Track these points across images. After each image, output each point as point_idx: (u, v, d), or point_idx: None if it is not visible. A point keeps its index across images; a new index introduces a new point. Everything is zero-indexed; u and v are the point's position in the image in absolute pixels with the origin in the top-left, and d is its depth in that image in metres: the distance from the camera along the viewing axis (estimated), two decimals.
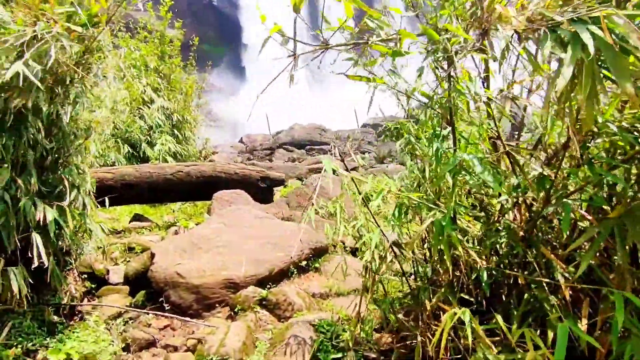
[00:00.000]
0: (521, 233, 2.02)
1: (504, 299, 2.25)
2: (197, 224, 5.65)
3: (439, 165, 2.01)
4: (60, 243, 3.90)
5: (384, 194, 2.08)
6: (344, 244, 6.07)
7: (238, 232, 5.01)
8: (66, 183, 3.65)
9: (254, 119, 31.27)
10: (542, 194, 1.80)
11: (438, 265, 2.33)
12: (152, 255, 4.65)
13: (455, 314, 1.87)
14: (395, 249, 2.28)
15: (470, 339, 1.77)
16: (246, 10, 37.15)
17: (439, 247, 1.89)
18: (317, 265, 5.12)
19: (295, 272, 4.86)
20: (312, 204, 2.95)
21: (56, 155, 3.80)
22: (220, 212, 5.47)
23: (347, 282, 4.87)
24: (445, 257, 1.88)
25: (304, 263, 4.96)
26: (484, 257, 1.96)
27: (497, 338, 2.06)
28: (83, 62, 3.44)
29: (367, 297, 2.67)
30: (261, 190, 6.41)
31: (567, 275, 2.07)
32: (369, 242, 2.27)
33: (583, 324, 2.02)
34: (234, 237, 4.94)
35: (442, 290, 2.18)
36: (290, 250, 4.89)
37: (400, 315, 2.86)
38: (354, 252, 5.82)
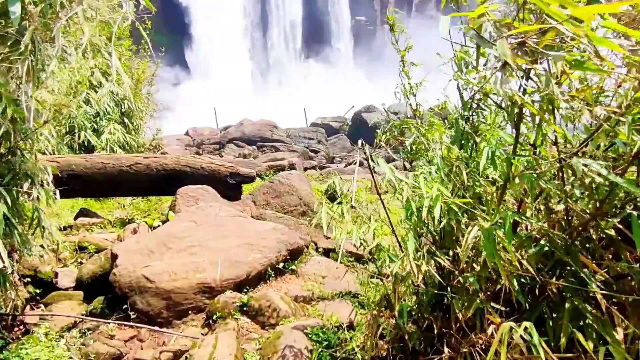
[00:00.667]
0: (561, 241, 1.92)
1: (537, 307, 2.14)
2: (163, 222, 5.13)
3: (501, 168, 1.84)
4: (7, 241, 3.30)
5: (433, 200, 1.87)
6: (316, 244, 5.83)
7: (211, 231, 4.60)
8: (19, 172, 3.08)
9: (199, 111, 30.28)
10: (592, 203, 1.70)
11: (469, 272, 2.17)
12: (114, 257, 4.12)
13: (512, 328, 1.72)
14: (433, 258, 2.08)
15: (542, 355, 1.61)
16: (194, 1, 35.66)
17: (492, 261, 1.72)
18: (293, 267, 4.84)
19: (273, 275, 4.55)
20: (322, 204, 2.69)
21: (4, 140, 3.22)
22: (188, 209, 5.00)
23: (326, 285, 4.65)
24: (500, 270, 1.71)
25: (281, 265, 4.66)
26: (527, 265, 1.83)
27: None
28: (47, 27, 2.92)
29: (386, 313, 2.45)
30: (229, 186, 5.98)
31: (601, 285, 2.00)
32: (405, 249, 2.05)
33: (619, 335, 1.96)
34: (207, 236, 4.52)
35: (478, 300, 2.03)
36: (267, 252, 4.58)
37: (409, 325, 2.69)
38: (327, 253, 5.61)
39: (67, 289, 4.26)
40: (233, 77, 37.14)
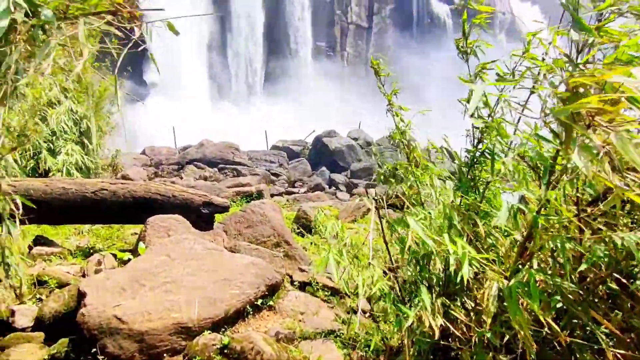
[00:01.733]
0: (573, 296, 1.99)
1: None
2: (132, 252, 4.84)
3: (522, 224, 1.90)
4: None
5: (461, 257, 1.87)
6: (291, 277, 5.72)
7: (186, 266, 4.39)
8: None
9: (156, 131, 29.39)
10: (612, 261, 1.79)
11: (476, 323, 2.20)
12: (82, 294, 3.82)
13: None
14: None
15: None
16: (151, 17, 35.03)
17: (516, 319, 1.74)
18: (271, 303, 4.71)
19: (251, 312, 4.40)
20: (330, 246, 2.64)
21: None
22: (161, 241, 4.76)
23: (307, 322, 4.55)
24: (522, 326, 1.74)
25: (259, 301, 4.52)
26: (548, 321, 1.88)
27: None
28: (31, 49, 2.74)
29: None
30: (202, 216, 5.78)
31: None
32: (421, 301, 2.03)
33: None
34: (182, 271, 4.32)
35: (491, 354, 2.05)
36: (245, 287, 4.43)
37: None
38: (302, 287, 5.51)
39: (25, 329, 3.89)
40: (192, 96, 36.60)
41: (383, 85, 3.82)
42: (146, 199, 5.62)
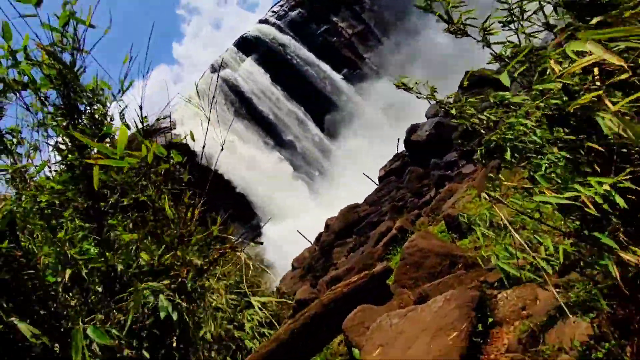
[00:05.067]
0: None
1: None
2: None
3: None
4: None
5: None
6: (485, 281, 5.55)
7: (401, 345, 4.57)
8: None
9: (278, 255, 31.93)
10: None
11: None
12: None
13: None
14: None
15: None
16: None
17: None
18: (489, 319, 4.61)
19: (479, 340, 4.35)
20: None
21: None
22: (365, 338, 5.04)
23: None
24: None
25: (479, 326, 4.46)
26: None
27: None
28: None
29: None
30: (374, 292, 6.02)
31: None
32: None
33: None
34: (403, 350, 4.49)
35: None
36: (457, 324, 4.43)
37: None
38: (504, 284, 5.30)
39: None
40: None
41: None
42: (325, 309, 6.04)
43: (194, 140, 3.34)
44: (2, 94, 2.51)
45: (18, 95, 2.64)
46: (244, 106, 50.91)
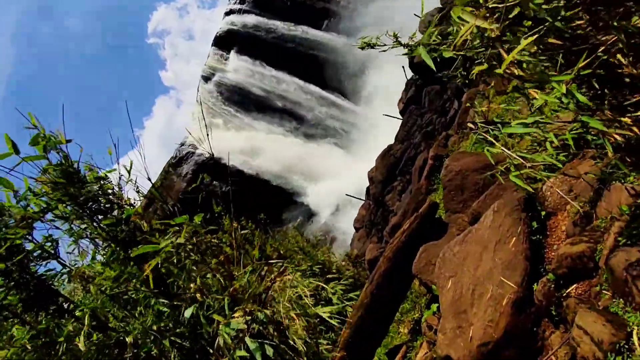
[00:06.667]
0: None
1: None
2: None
3: None
4: None
5: None
6: None
7: (472, 265, 4.79)
8: None
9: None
10: None
11: None
12: None
13: None
14: None
15: None
16: None
17: None
18: None
19: None
20: None
21: None
22: (434, 271, 5.31)
23: None
24: None
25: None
26: None
27: None
28: None
29: None
30: (426, 226, 6.25)
31: None
32: None
33: None
34: (472, 275, 4.71)
35: None
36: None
37: None
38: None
39: None
40: None
41: None
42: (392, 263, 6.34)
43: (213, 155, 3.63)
44: (28, 226, 2.89)
45: (42, 219, 3.03)
46: (250, 102, 50.89)
